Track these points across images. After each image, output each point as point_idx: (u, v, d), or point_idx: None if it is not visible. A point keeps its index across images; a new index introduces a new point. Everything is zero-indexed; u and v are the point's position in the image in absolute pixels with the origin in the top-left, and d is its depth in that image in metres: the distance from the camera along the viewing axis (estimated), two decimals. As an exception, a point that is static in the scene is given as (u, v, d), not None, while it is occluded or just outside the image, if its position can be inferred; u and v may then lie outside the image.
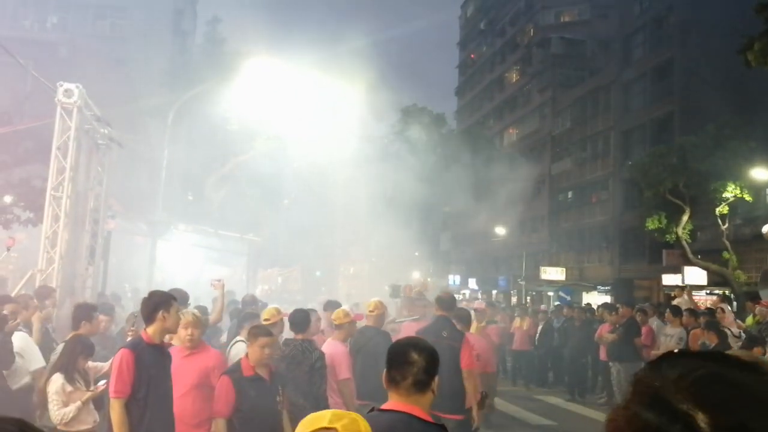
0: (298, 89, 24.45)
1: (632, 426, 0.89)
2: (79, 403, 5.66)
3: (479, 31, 63.81)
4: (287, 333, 7.78)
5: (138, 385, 4.92)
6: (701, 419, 0.82)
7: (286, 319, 7.72)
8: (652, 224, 25.50)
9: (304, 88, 24.69)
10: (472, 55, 65.35)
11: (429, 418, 2.88)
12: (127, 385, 4.89)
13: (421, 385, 2.92)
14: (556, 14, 50.97)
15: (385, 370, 2.97)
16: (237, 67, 23.12)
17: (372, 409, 2.91)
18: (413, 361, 2.94)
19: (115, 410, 4.87)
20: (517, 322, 18.25)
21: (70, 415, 5.63)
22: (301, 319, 6.91)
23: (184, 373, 5.55)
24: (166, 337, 5.62)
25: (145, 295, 5.58)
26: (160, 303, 5.20)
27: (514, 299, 35.33)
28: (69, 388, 5.75)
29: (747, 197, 23.15)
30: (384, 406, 2.89)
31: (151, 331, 5.14)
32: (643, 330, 13.77)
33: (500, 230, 45.44)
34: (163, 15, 33.91)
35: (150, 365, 5.02)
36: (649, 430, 0.86)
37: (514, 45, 55.50)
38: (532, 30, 52.31)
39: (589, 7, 48.15)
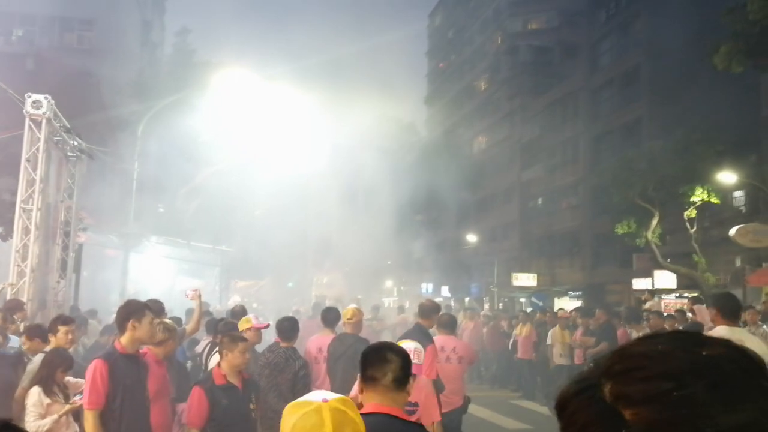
0: (268, 100, 24.43)
1: (560, 401, 0.94)
2: (55, 416, 5.62)
3: (447, 40, 64.23)
4: (263, 344, 7.80)
5: (113, 395, 4.86)
6: (606, 389, 0.87)
7: (262, 331, 7.77)
8: (621, 229, 25.77)
9: (275, 99, 24.68)
10: (441, 64, 65.71)
11: (408, 418, 2.91)
12: (102, 396, 4.82)
13: (399, 382, 2.97)
14: (523, 22, 51.44)
15: (359, 372, 3.00)
16: (207, 77, 23.04)
17: None
18: (391, 359, 2.99)
19: (90, 422, 4.81)
20: (518, 329, 18.03)
21: (45, 427, 5.58)
22: (289, 328, 6.93)
23: None
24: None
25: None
26: (131, 312, 5.16)
27: (486, 306, 35.40)
28: (47, 400, 5.70)
29: (714, 200, 23.50)
30: (363, 410, 2.88)
31: (124, 341, 5.10)
32: (619, 333, 13.91)
33: (472, 237, 45.65)
34: (131, 27, 33.71)
35: (125, 375, 4.96)
36: (564, 401, 0.93)
37: (483, 53, 55.91)
38: (499, 38, 52.74)
39: (557, 15, 48.67)
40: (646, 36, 34.34)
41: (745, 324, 11.64)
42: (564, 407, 0.93)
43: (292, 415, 1.84)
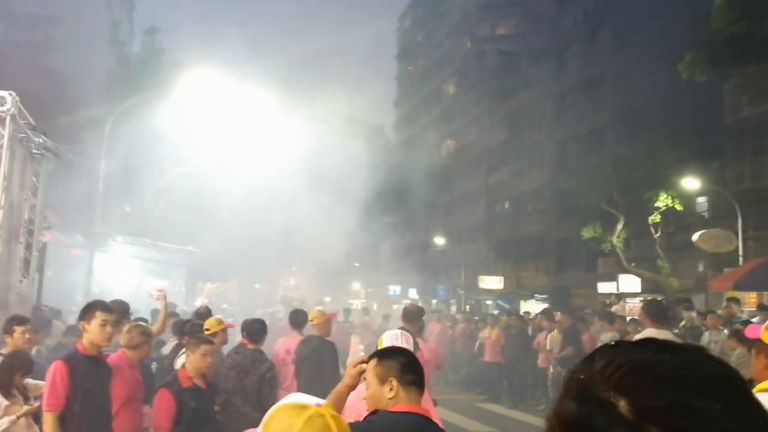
0: (236, 100, 24.30)
1: (561, 420, 0.90)
2: (13, 417, 5.53)
3: (417, 43, 64.47)
4: (229, 345, 7.78)
5: (73, 397, 4.78)
6: (623, 406, 0.84)
7: (229, 330, 7.77)
8: (587, 233, 26.08)
9: (243, 99, 24.55)
10: (410, 67, 65.96)
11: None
12: (61, 397, 4.74)
13: (424, 389, 3.09)
14: (491, 27, 51.83)
15: (397, 369, 3.00)
16: (176, 77, 22.84)
17: (375, 412, 2.96)
18: (422, 366, 3.09)
19: (48, 424, 4.73)
20: (486, 332, 18.00)
21: (2, 427, 5.48)
22: (257, 330, 6.89)
23: None
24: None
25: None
26: (82, 314, 5.10)
27: (453, 308, 35.58)
28: (5, 402, 5.61)
29: (678, 206, 23.91)
30: (397, 409, 2.92)
31: (85, 342, 5.03)
32: (584, 337, 14.04)
33: (439, 240, 45.87)
34: (99, 25, 33.32)
35: (86, 377, 4.88)
36: (576, 422, 0.88)
37: (451, 57, 56.20)
38: (468, 42, 53.05)
39: (524, 20, 49.06)
40: (612, 43, 34.81)
41: (707, 328, 11.89)
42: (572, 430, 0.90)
43: (291, 418, 1.73)
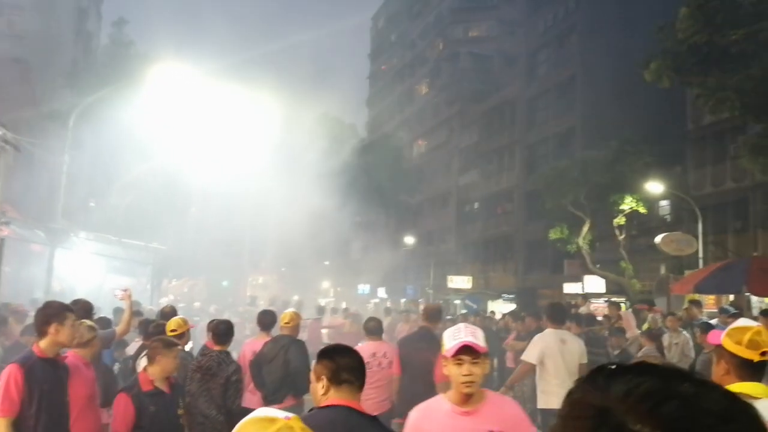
0: (206, 95, 24.06)
1: None
2: None
3: (390, 43, 64.50)
4: (195, 345, 7.69)
5: (29, 402, 4.65)
6: None
7: (192, 330, 7.69)
8: (555, 234, 26.32)
9: (214, 93, 24.32)
10: (383, 67, 65.96)
11: (364, 411, 3.06)
12: (15, 403, 4.60)
13: (363, 385, 3.14)
14: (464, 29, 52.05)
15: (330, 369, 3.06)
16: (143, 70, 22.53)
17: (312, 410, 3.05)
18: (362, 367, 3.14)
19: (2, 430, 4.58)
20: None
21: None
22: (224, 331, 6.74)
23: None
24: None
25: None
26: (52, 315, 4.88)
27: (422, 308, 35.66)
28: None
29: (642, 209, 24.24)
30: (324, 403, 3.02)
31: (43, 345, 4.84)
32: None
33: (409, 240, 45.96)
34: (65, 15, 32.74)
35: (42, 380, 4.74)
36: None
37: (424, 58, 56.34)
38: (441, 44, 53.22)
39: (497, 24, 49.38)
40: (581, 49, 35.13)
41: (667, 329, 12.01)
42: None
43: (260, 431, 1.71)
